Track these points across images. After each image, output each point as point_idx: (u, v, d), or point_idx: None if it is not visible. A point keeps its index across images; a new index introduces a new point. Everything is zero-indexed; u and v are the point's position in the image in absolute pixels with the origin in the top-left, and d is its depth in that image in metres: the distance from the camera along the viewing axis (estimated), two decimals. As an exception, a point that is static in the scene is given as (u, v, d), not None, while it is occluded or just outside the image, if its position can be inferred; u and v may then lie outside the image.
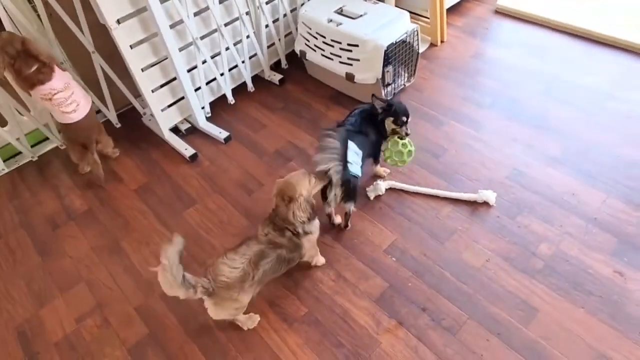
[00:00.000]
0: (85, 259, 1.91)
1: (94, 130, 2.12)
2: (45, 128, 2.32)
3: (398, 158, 1.81)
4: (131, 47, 2.04)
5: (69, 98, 1.96)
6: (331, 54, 2.37)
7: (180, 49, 2.17)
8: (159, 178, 2.23)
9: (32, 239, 2.02)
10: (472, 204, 1.88)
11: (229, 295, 1.38)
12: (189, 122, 2.48)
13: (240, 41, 2.43)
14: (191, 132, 2.45)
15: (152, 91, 2.22)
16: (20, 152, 2.37)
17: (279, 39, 2.63)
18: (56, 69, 1.91)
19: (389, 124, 1.82)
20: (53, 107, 1.96)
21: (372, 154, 1.93)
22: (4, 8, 1.89)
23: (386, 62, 2.20)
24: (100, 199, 2.17)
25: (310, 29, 2.41)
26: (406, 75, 2.45)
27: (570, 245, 1.70)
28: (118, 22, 1.93)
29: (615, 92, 2.29)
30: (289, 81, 2.68)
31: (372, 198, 1.96)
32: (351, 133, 1.73)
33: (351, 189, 1.64)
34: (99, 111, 2.47)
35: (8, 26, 1.93)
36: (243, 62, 2.50)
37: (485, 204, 1.87)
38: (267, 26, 2.51)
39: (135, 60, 2.08)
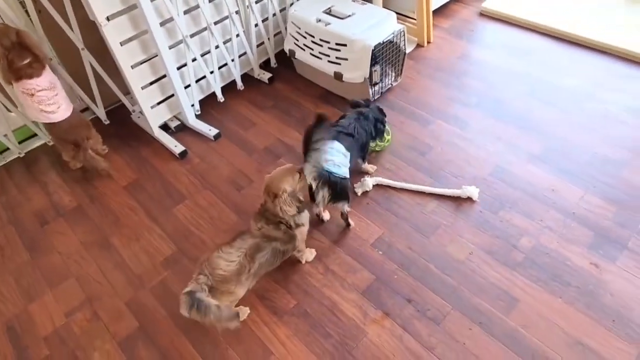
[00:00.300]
0: (75, 255, 1.92)
1: (83, 128, 2.12)
2: (33, 124, 2.31)
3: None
4: (121, 44, 2.05)
5: (51, 98, 1.95)
6: (320, 53, 2.41)
7: (170, 47, 2.19)
8: (149, 175, 2.24)
9: (20, 236, 2.02)
10: (457, 200, 1.94)
11: (226, 288, 1.41)
12: (179, 120, 2.49)
13: (230, 40, 2.45)
14: (181, 130, 2.47)
15: (142, 88, 2.23)
16: (7, 149, 2.36)
17: (269, 38, 2.66)
18: (46, 67, 1.91)
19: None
20: (32, 104, 1.93)
21: (362, 155, 1.98)
22: (-7, 4, 1.89)
23: (373, 61, 2.25)
24: (89, 195, 2.17)
25: (300, 28, 2.45)
26: (393, 74, 2.51)
27: (550, 239, 1.76)
28: (108, 19, 1.95)
29: (593, 93, 2.38)
30: (279, 80, 2.71)
31: (359, 194, 2.00)
32: (342, 135, 1.78)
33: (339, 191, 1.66)
34: (87, 108, 2.48)
35: (-4, 22, 1.93)
36: (233, 60, 2.53)
37: (469, 199, 1.93)
38: (256, 25, 2.54)
39: (125, 57, 2.09)
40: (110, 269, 1.85)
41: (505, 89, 2.48)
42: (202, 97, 2.52)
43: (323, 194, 1.62)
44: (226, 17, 2.37)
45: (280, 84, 2.70)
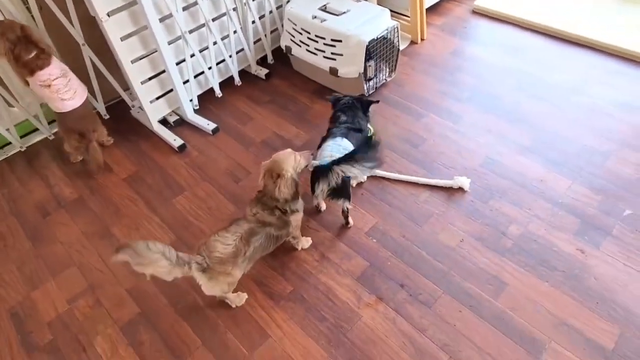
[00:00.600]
0: (76, 244, 1.96)
1: (91, 118, 2.17)
2: (35, 119, 2.36)
3: None
4: (121, 39, 2.10)
5: (67, 84, 2.01)
6: (315, 49, 2.47)
7: (169, 43, 2.24)
8: (149, 168, 2.29)
9: (22, 226, 2.06)
10: (448, 190, 2.00)
11: (224, 269, 1.46)
12: (177, 115, 2.54)
13: (228, 36, 2.51)
14: (179, 124, 2.52)
15: (142, 83, 2.28)
16: (9, 143, 2.40)
17: (265, 35, 2.71)
18: (53, 57, 1.96)
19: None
20: (52, 95, 1.98)
21: (367, 152, 1.99)
22: (-5, 0, 1.93)
23: (368, 56, 2.31)
24: (90, 187, 2.22)
25: (296, 25, 2.50)
26: (387, 70, 2.57)
27: (538, 226, 1.82)
28: (108, 15, 2.00)
29: (582, 88, 2.45)
30: (275, 76, 2.77)
31: (354, 185, 2.06)
32: (352, 132, 1.80)
33: (339, 187, 1.64)
34: (88, 103, 2.52)
35: (-1, 17, 1.97)
36: (230, 56, 2.58)
37: (461, 189, 1.99)
38: (253, 22, 2.59)
39: (125, 52, 2.14)
40: (111, 258, 1.89)
41: (496, 84, 2.54)
42: (200, 92, 2.57)
43: (322, 188, 1.65)
44: (224, 14, 2.42)
45: (276, 79, 2.75)
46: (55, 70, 1.97)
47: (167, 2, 2.10)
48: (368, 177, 2.08)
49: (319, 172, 1.62)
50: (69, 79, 2.02)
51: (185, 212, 2.05)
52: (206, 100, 2.60)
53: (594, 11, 2.92)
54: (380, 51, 2.39)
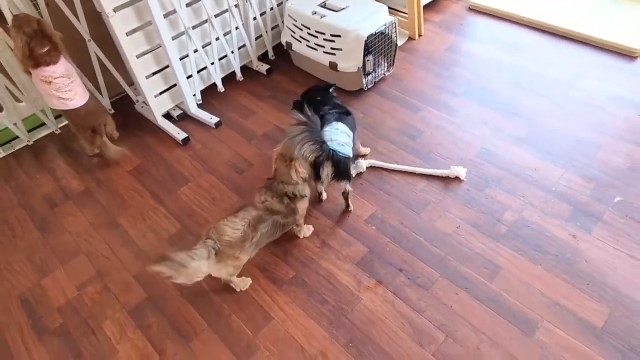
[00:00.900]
0: (84, 234, 2.02)
1: (101, 114, 2.23)
2: (42, 114, 2.42)
3: None
4: (127, 34, 2.16)
5: (68, 85, 2.04)
6: (315, 44, 2.53)
7: (173, 38, 2.30)
8: (153, 160, 2.35)
9: (31, 217, 2.12)
10: (445, 179, 2.06)
11: (232, 252, 1.52)
12: (181, 109, 2.60)
13: (230, 32, 2.57)
14: (183, 119, 2.58)
15: (146, 78, 2.34)
16: (16, 137, 2.46)
17: (266, 31, 2.78)
18: (62, 55, 2.01)
19: None
20: (50, 91, 2.03)
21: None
22: (2, -6, 1.98)
23: (366, 51, 2.38)
24: (96, 180, 2.27)
25: (296, 20, 2.57)
26: (386, 65, 2.63)
27: (531, 213, 1.89)
28: (114, 10, 2.05)
29: (576, 82, 2.51)
30: (276, 71, 2.83)
31: (354, 175, 2.12)
32: (343, 115, 1.87)
33: (342, 169, 1.73)
34: (93, 98, 2.58)
35: (6, 12, 2.02)
36: (232, 52, 2.64)
37: (457, 178, 2.05)
38: (255, 18, 2.65)
39: (130, 47, 2.20)
40: (119, 246, 1.95)
41: (492, 79, 2.60)
42: (203, 87, 2.63)
43: (327, 172, 1.70)
44: (226, 10, 2.48)
45: (277, 75, 2.81)
46: (60, 69, 2.01)
47: (171, -1, 2.16)
48: (367, 167, 2.14)
49: (323, 157, 1.67)
50: (72, 81, 2.05)
51: (190, 202, 2.11)
52: (209, 95, 2.66)
53: (589, 7, 2.98)
54: (378, 46, 2.46)
